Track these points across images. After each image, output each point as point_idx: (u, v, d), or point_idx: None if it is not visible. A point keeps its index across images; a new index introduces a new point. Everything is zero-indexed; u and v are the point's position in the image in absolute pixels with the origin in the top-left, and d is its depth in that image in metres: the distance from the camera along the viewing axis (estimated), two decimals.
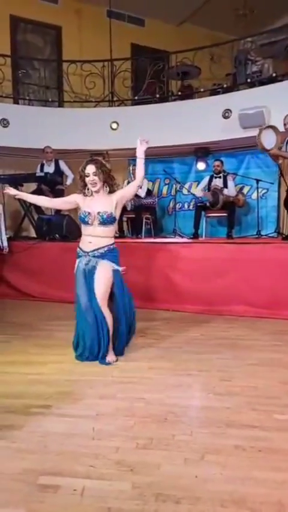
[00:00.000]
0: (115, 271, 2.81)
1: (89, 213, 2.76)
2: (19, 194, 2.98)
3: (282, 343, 3.31)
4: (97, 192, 2.79)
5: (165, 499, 1.44)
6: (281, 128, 4.61)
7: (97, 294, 2.76)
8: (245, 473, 1.60)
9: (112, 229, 2.86)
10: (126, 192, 2.88)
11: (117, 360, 2.84)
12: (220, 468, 1.62)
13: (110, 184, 2.80)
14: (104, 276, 2.76)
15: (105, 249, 2.79)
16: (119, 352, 2.91)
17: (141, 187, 6.06)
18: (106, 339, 2.80)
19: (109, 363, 2.79)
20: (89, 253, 2.79)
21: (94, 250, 2.78)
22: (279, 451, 1.74)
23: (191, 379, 2.59)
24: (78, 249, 2.87)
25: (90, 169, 2.73)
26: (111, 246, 2.83)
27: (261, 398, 2.26)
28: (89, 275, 2.78)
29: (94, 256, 2.78)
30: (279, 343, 3.30)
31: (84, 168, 2.75)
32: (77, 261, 2.85)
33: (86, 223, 2.78)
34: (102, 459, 1.68)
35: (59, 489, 1.50)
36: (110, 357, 2.83)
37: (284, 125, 4.56)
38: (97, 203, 2.77)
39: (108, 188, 2.80)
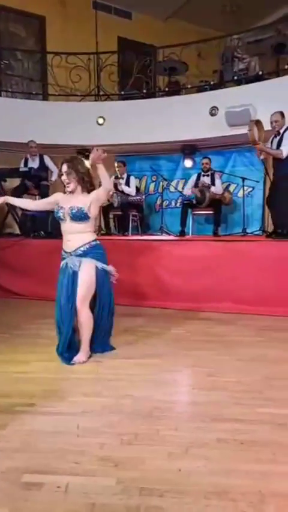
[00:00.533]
0: (100, 270, 2.78)
1: (61, 208, 2.75)
2: (8, 199, 2.97)
3: (266, 339, 3.37)
4: (72, 192, 2.77)
5: (149, 493, 1.46)
6: (267, 126, 4.66)
7: (78, 296, 2.71)
8: (227, 465, 1.63)
9: (86, 226, 2.78)
10: (99, 195, 2.78)
11: (84, 362, 2.75)
12: (204, 461, 1.65)
13: (83, 186, 2.75)
14: (86, 276, 2.72)
15: (87, 246, 2.76)
16: (100, 350, 2.91)
17: (129, 186, 6.07)
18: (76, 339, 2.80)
19: (73, 363, 2.72)
20: (72, 253, 2.77)
21: (76, 250, 2.75)
22: (261, 443, 1.78)
23: (177, 375, 2.62)
24: (62, 251, 2.84)
25: (63, 168, 2.73)
26: (93, 243, 2.79)
27: (244, 392, 2.30)
28: (73, 277, 2.74)
29: (77, 256, 2.75)
30: (264, 339, 3.36)
31: (61, 167, 2.77)
32: (62, 262, 2.83)
33: (60, 218, 2.77)
34: (87, 456, 1.69)
35: (43, 486, 1.50)
36: (78, 356, 2.76)
37: (271, 123, 4.61)
38: (72, 200, 2.76)
39: (83, 189, 2.76)
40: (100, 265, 2.78)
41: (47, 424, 1.96)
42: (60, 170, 2.79)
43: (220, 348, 3.11)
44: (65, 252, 2.82)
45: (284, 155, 4.44)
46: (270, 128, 4.63)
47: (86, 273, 2.73)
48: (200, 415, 2.05)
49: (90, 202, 2.74)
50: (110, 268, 2.84)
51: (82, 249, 2.75)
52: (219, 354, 2.97)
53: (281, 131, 4.53)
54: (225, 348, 3.12)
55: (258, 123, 4.63)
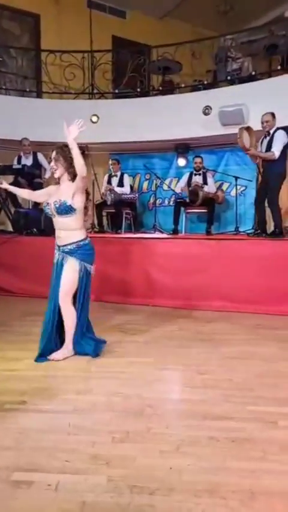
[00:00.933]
0: (83, 271, 2.75)
1: (48, 204, 2.75)
2: (6, 186, 2.96)
3: (257, 337, 3.39)
4: (59, 179, 2.75)
5: (140, 491, 1.46)
6: (259, 126, 4.68)
7: (60, 291, 2.75)
8: (218, 463, 1.63)
9: (73, 219, 2.72)
10: (77, 184, 2.67)
11: (58, 360, 2.73)
12: (194, 459, 1.65)
13: (69, 172, 2.70)
14: (67, 275, 2.74)
15: (74, 245, 2.74)
16: (82, 352, 2.84)
17: (123, 185, 6.06)
18: (55, 337, 2.80)
19: (46, 360, 2.72)
20: (60, 248, 2.78)
21: (64, 246, 2.76)
22: (251, 441, 1.79)
23: (168, 373, 2.62)
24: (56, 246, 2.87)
25: (52, 154, 2.73)
26: (81, 243, 2.76)
27: (236, 390, 2.31)
28: (59, 270, 2.77)
29: (64, 252, 2.76)
30: (255, 337, 3.38)
31: (50, 154, 2.76)
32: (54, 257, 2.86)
33: (48, 214, 2.78)
34: (77, 454, 1.68)
35: (33, 485, 1.49)
36: (55, 354, 2.76)
37: (262, 123, 4.63)
38: (59, 192, 2.75)
39: (69, 176, 2.72)
40: (84, 265, 2.75)
41: (37, 422, 1.95)
42: (49, 157, 2.78)
43: (211, 346, 3.12)
44: (56, 245, 2.83)
45: (276, 156, 4.47)
46: (260, 128, 4.66)
47: (69, 271, 2.74)
48: (191, 413, 2.06)
49: (73, 192, 2.69)
50: (91, 268, 2.79)
51: (69, 247, 2.75)
52: (210, 352, 2.98)
53: (271, 132, 4.57)
54: (217, 346, 3.13)
55: (248, 129, 4.65)
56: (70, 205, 2.68)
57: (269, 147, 4.55)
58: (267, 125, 4.58)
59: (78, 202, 2.71)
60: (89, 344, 2.83)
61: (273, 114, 4.59)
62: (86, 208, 2.82)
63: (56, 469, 1.58)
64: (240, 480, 1.53)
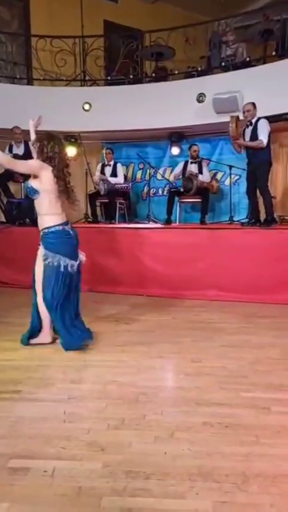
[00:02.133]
0: (55, 263, 2.66)
1: None
2: None
3: (251, 325, 3.43)
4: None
5: (135, 476, 1.48)
6: (241, 116, 4.68)
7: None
8: (212, 448, 1.66)
9: (41, 204, 2.66)
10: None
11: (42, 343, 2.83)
12: (189, 444, 1.68)
13: (39, 156, 2.70)
14: (37, 264, 2.79)
15: (41, 232, 2.73)
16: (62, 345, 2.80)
17: (116, 175, 6.00)
18: (36, 320, 2.86)
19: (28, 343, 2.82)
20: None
21: (41, 231, 2.75)
22: (244, 426, 1.82)
23: (163, 362, 2.64)
24: None
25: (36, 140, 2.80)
26: (46, 230, 2.68)
27: (229, 377, 2.34)
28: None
29: (41, 238, 2.76)
30: (249, 326, 3.41)
31: None
32: None
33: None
34: (73, 441, 1.70)
35: (29, 471, 1.51)
36: (36, 338, 2.86)
37: (243, 112, 4.63)
38: None
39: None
40: (45, 258, 2.68)
41: (33, 410, 1.96)
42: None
43: (205, 335, 3.14)
44: None
45: (265, 144, 4.51)
46: (242, 118, 4.66)
47: (37, 262, 2.79)
48: (185, 399, 2.09)
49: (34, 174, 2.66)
50: (64, 261, 2.66)
51: (41, 233, 2.74)
52: (204, 340, 3.01)
53: (253, 121, 4.60)
54: (211, 334, 3.16)
55: (237, 119, 4.67)
56: (32, 186, 2.65)
57: (253, 136, 4.57)
58: (249, 114, 4.63)
59: (40, 184, 2.61)
60: (72, 335, 2.74)
61: (254, 104, 4.63)
62: (63, 193, 2.67)
63: (51, 456, 1.60)
64: (234, 464, 1.56)
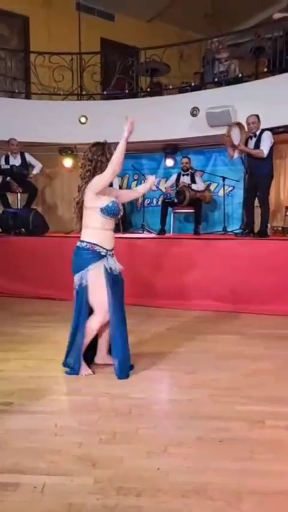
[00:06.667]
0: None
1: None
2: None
3: (245, 336, 3.41)
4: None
5: (127, 493, 1.45)
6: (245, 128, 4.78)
7: None
8: (205, 463, 1.63)
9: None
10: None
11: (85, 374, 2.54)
12: (182, 460, 1.65)
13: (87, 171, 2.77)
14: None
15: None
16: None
17: (112, 185, 6.03)
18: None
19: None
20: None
21: None
22: (239, 441, 1.80)
23: (156, 373, 2.61)
24: None
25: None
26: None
27: (223, 390, 2.32)
28: None
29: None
30: (242, 337, 3.40)
31: None
32: None
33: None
34: (64, 455, 1.67)
35: (19, 487, 1.47)
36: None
37: (248, 124, 4.72)
38: None
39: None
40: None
41: (24, 423, 1.93)
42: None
43: (198, 346, 3.13)
44: None
45: (265, 154, 4.58)
46: (246, 130, 4.75)
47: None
48: (178, 413, 2.06)
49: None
50: (86, 275, 2.50)
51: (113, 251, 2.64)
52: (198, 352, 2.99)
53: (257, 133, 4.69)
54: (205, 345, 3.14)
55: (239, 125, 4.77)
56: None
57: (256, 148, 4.65)
58: (254, 126, 4.70)
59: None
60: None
61: (258, 116, 4.71)
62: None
63: (42, 470, 1.56)
64: (228, 480, 1.53)
